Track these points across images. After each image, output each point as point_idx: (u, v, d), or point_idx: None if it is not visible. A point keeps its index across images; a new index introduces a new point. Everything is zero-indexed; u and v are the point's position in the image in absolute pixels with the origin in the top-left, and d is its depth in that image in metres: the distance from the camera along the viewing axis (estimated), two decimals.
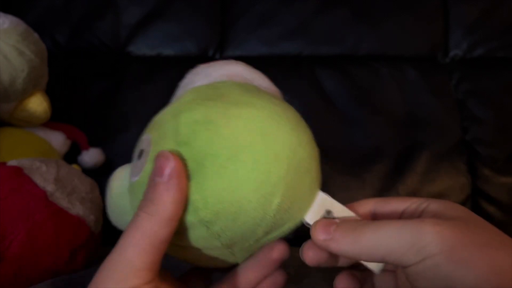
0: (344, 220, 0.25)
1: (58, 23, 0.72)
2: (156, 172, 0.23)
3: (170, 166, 0.22)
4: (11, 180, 0.43)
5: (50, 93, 0.58)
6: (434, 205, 0.24)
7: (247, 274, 0.27)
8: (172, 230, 0.23)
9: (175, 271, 0.27)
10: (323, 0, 0.73)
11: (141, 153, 0.26)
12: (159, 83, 0.69)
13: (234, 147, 0.23)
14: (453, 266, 0.21)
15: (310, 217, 0.26)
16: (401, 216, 0.26)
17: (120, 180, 0.27)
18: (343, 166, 0.64)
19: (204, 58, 0.73)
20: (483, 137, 0.67)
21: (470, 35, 0.73)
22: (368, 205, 0.27)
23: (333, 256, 0.26)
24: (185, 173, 0.23)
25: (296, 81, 0.70)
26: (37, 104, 0.55)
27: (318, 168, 0.26)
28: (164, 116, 0.26)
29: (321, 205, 0.26)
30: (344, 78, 0.70)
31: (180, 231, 0.24)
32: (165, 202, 0.22)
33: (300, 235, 0.65)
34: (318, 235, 0.25)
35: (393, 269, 0.27)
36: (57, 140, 0.59)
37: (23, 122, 0.56)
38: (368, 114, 0.67)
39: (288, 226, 0.25)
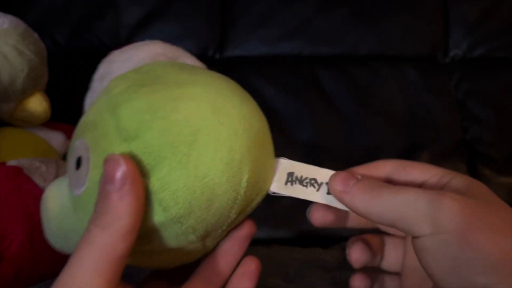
0: (366, 178, 0.24)
1: (58, 23, 0.72)
2: (106, 179, 0.20)
3: (121, 170, 0.19)
4: (11, 180, 0.43)
5: (50, 93, 0.58)
6: (457, 180, 0.23)
7: (222, 262, 0.25)
8: (131, 244, 0.20)
9: (130, 278, 0.24)
10: (323, 0, 0.73)
11: (79, 161, 0.22)
12: None
13: (191, 131, 0.21)
14: (464, 247, 0.20)
15: (275, 186, 0.25)
16: (421, 186, 0.24)
17: (57, 199, 0.24)
18: (343, 166, 0.64)
19: (204, 58, 0.73)
20: (483, 137, 0.67)
21: (470, 35, 0.73)
22: (385, 169, 0.26)
23: (340, 217, 0.26)
24: (139, 176, 0.20)
25: (296, 81, 0.70)
26: (37, 104, 0.55)
27: (270, 134, 0.25)
28: (96, 115, 0.23)
29: (282, 171, 0.25)
30: (344, 78, 0.70)
31: (145, 236, 0.21)
32: (121, 213, 0.20)
33: (300, 235, 0.65)
34: (336, 186, 0.24)
35: (398, 270, 0.26)
36: (57, 140, 0.59)
37: (23, 122, 0.56)
38: (368, 114, 0.67)
39: (257, 200, 0.24)
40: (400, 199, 0.22)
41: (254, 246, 0.59)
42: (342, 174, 0.24)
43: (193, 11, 0.73)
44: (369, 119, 0.67)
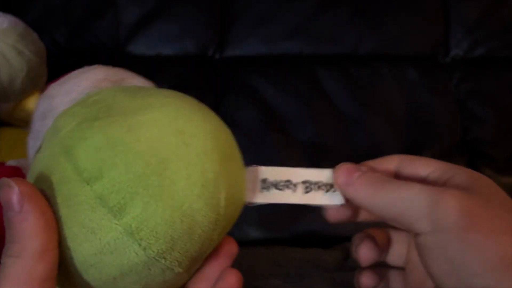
0: (370, 171, 0.24)
1: (57, 23, 0.72)
2: (6, 207, 0.19)
3: (15, 192, 0.18)
4: None
5: None
6: (460, 175, 0.23)
7: (204, 286, 0.24)
8: (51, 262, 0.19)
9: None
10: (323, 0, 0.73)
11: None
12: (158, 83, 0.69)
13: (159, 159, 0.20)
14: (463, 247, 0.19)
15: (251, 196, 0.24)
16: (424, 181, 0.24)
17: None
18: None
19: (204, 57, 0.73)
20: (483, 137, 0.67)
21: (471, 35, 0.72)
22: (393, 163, 0.26)
23: (354, 212, 0.26)
24: (37, 192, 0.19)
25: (296, 81, 0.70)
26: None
27: (236, 144, 0.24)
28: (49, 160, 0.21)
29: (254, 179, 0.24)
30: (345, 78, 0.70)
31: (129, 278, 0.20)
32: (28, 235, 0.18)
33: (300, 236, 0.64)
34: (339, 177, 0.24)
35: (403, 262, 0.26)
36: None
37: (22, 122, 0.56)
38: (369, 113, 0.67)
39: (237, 216, 0.23)
40: (402, 195, 0.22)
41: (254, 246, 0.59)
42: (347, 165, 0.24)
43: (193, 10, 0.73)
44: (369, 119, 0.67)
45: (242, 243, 0.26)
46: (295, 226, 0.62)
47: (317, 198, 0.24)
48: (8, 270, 0.18)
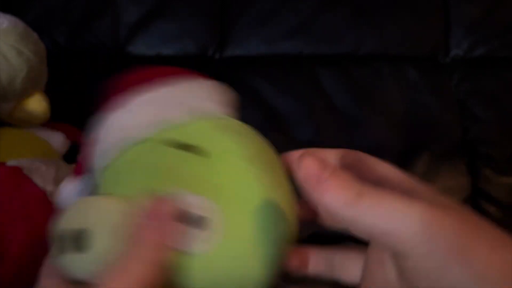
0: (340, 171, 0.20)
1: (57, 23, 0.72)
2: (150, 216, 0.20)
3: (166, 208, 0.20)
4: (11, 180, 0.43)
5: (50, 93, 0.58)
6: (423, 189, 0.21)
7: None
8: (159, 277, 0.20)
9: None
10: (323, 0, 0.73)
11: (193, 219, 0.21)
12: None
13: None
14: (462, 267, 0.18)
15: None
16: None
17: None
18: None
19: (204, 57, 0.73)
20: (484, 137, 0.67)
21: (471, 35, 0.73)
22: (335, 157, 0.23)
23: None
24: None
25: (296, 81, 0.70)
26: (36, 104, 0.55)
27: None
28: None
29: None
30: (345, 78, 0.70)
31: None
32: (155, 245, 0.20)
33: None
34: (309, 172, 0.20)
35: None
36: (57, 140, 0.59)
37: (22, 122, 0.56)
38: (369, 114, 0.67)
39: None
40: (381, 208, 0.19)
41: None
42: (315, 160, 0.20)
43: (193, 10, 0.73)
44: (369, 119, 0.67)
45: None
46: None
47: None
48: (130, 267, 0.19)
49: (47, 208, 0.43)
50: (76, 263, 0.21)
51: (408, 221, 0.18)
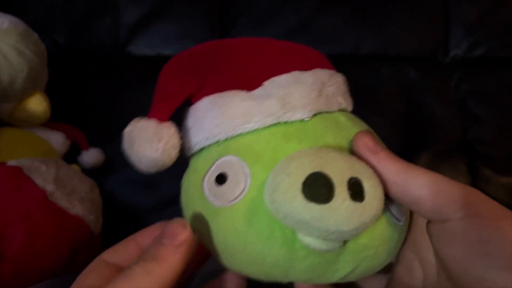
0: (386, 148, 0.24)
1: (57, 23, 0.72)
2: (167, 235, 0.22)
3: (185, 234, 0.22)
4: (11, 180, 0.44)
5: (50, 93, 0.58)
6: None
7: None
8: None
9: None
10: (323, 0, 0.73)
11: (223, 178, 0.23)
12: None
13: None
14: (496, 233, 0.19)
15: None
16: None
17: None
18: None
19: None
20: (483, 137, 0.67)
21: (471, 35, 0.73)
22: None
23: None
24: (192, 247, 0.23)
25: None
26: (37, 104, 0.55)
27: None
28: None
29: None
30: (344, 78, 0.70)
31: None
32: (168, 265, 0.21)
33: None
34: (365, 143, 0.23)
35: None
36: (57, 140, 0.59)
37: (23, 122, 0.56)
38: (368, 114, 0.67)
39: None
40: (437, 179, 0.21)
41: None
42: (371, 136, 0.24)
43: (193, 10, 0.73)
44: (369, 119, 0.67)
45: None
46: None
47: None
48: (135, 279, 0.21)
49: (47, 208, 0.43)
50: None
51: (451, 190, 0.21)
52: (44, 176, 0.45)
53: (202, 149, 0.26)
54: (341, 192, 0.20)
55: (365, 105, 0.69)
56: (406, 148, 0.66)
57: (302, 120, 0.25)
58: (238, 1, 0.74)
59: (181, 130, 0.27)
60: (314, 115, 0.26)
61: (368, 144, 0.23)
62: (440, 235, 0.22)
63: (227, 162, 0.24)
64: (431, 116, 0.67)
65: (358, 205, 0.20)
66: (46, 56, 0.55)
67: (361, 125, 0.28)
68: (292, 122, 0.25)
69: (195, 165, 0.26)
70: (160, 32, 0.73)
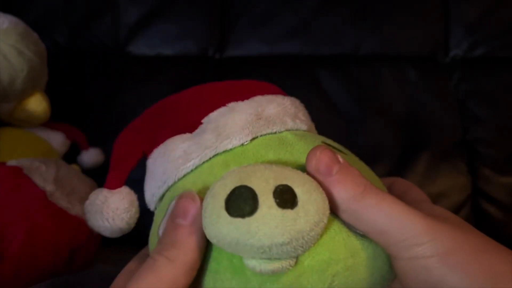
0: (348, 165, 0.21)
1: (57, 23, 0.72)
2: (178, 213, 0.21)
3: (195, 208, 0.21)
4: (11, 180, 0.44)
5: (50, 93, 0.58)
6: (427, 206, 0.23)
7: None
8: (190, 280, 0.21)
9: None
10: (323, 0, 0.73)
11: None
12: (159, 83, 0.69)
13: None
14: (447, 270, 0.19)
15: None
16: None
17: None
18: None
19: (204, 58, 0.73)
20: (483, 137, 0.67)
21: (471, 35, 0.73)
22: None
23: None
24: None
25: (296, 81, 0.70)
26: (37, 104, 0.55)
27: None
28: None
29: None
30: (345, 78, 0.70)
31: None
32: (188, 248, 0.20)
33: None
34: (317, 163, 0.21)
35: None
36: (57, 140, 0.59)
37: (23, 122, 0.56)
38: (368, 114, 0.67)
39: None
40: (383, 210, 0.20)
41: None
42: (327, 151, 0.21)
43: (193, 10, 0.73)
44: (369, 119, 0.67)
45: None
46: None
47: None
48: (159, 268, 0.20)
49: (47, 208, 0.43)
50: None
51: (404, 225, 0.19)
52: (44, 176, 0.45)
53: (161, 199, 0.26)
54: (265, 200, 0.19)
55: (365, 105, 0.69)
56: (406, 148, 0.66)
57: (242, 145, 0.24)
58: (238, 1, 0.74)
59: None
60: (255, 138, 0.25)
61: (320, 163, 0.20)
62: (397, 270, 0.21)
63: None
64: (431, 116, 0.67)
65: (288, 212, 0.18)
66: (46, 56, 0.55)
67: (314, 140, 0.26)
68: (232, 149, 0.24)
69: (155, 215, 0.26)
70: (160, 32, 0.73)
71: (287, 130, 0.26)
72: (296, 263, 0.20)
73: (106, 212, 0.26)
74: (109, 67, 0.71)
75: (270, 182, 0.19)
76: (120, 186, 0.28)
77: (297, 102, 0.31)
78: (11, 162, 0.46)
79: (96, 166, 0.61)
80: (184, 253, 0.20)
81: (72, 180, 0.48)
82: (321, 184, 0.20)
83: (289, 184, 0.19)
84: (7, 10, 0.53)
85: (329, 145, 0.25)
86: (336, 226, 0.21)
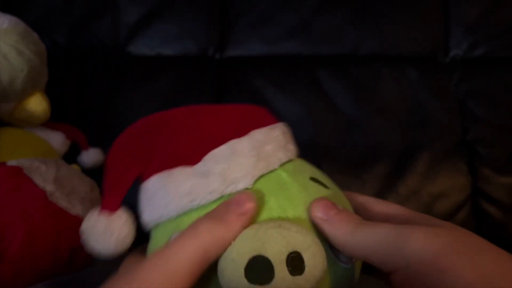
0: (345, 210, 0.25)
1: (57, 23, 0.72)
2: (234, 202, 0.24)
3: (250, 205, 0.24)
4: (11, 180, 0.44)
5: (50, 93, 0.58)
6: (423, 218, 0.25)
7: None
8: (211, 260, 0.23)
9: None
10: (323, 0, 0.73)
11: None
12: (159, 83, 0.70)
13: None
14: (439, 274, 0.20)
15: None
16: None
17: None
18: (343, 166, 0.65)
19: (204, 58, 0.73)
20: (483, 137, 0.67)
21: (471, 35, 0.73)
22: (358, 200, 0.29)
23: None
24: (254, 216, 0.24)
25: (296, 81, 0.70)
26: (37, 104, 0.55)
27: None
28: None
29: None
30: (345, 78, 0.70)
31: None
32: (229, 229, 0.23)
33: None
34: (317, 212, 0.25)
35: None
36: (57, 140, 0.59)
37: (23, 122, 0.56)
38: (368, 114, 0.68)
39: None
40: (374, 235, 0.23)
41: None
42: (324, 201, 0.25)
43: (193, 11, 0.73)
44: (369, 119, 0.67)
45: None
46: None
47: None
48: (200, 234, 0.22)
49: (47, 208, 0.43)
50: None
51: (387, 243, 0.22)
52: (44, 176, 0.46)
53: (158, 223, 0.28)
54: (280, 271, 0.22)
55: (365, 105, 0.69)
56: (406, 148, 0.66)
57: (246, 189, 0.27)
58: (238, 2, 0.74)
59: (137, 207, 0.29)
60: (257, 179, 0.27)
61: (319, 212, 0.25)
62: (394, 285, 0.22)
63: None
64: (430, 116, 0.68)
65: (298, 278, 0.22)
66: (46, 56, 0.55)
67: (303, 177, 0.29)
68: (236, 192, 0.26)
69: (156, 238, 0.28)
70: (160, 32, 0.73)
71: (281, 164, 0.29)
72: None
73: (108, 238, 0.27)
74: (109, 67, 0.71)
75: (283, 251, 0.22)
76: (118, 208, 0.29)
77: (285, 128, 0.33)
78: (11, 162, 0.46)
79: (96, 166, 0.61)
80: (227, 230, 0.23)
81: (72, 180, 0.48)
82: (322, 229, 0.25)
83: (298, 249, 0.23)
84: (7, 10, 0.53)
85: (315, 179, 0.29)
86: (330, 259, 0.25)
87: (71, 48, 0.72)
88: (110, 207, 0.28)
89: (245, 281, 0.22)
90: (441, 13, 0.73)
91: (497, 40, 0.72)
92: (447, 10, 0.73)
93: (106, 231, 0.28)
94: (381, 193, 0.63)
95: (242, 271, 0.22)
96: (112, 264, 0.51)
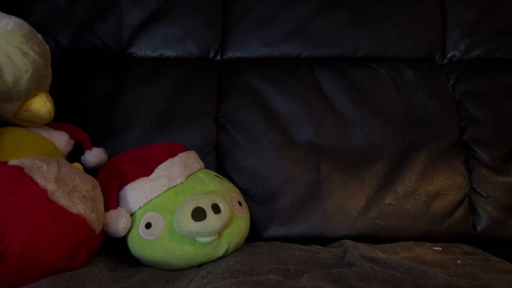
0: None
1: (61, 24, 0.72)
2: None
3: None
4: (12, 180, 0.44)
5: (53, 93, 0.58)
6: None
7: None
8: None
9: None
10: (322, 2, 0.73)
11: (149, 225, 0.53)
12: (161, 84, 0.70)
13: None
14: None
15: None
16: None
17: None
18: (342, 166, 0.65)
19: (206, 59, 0.74)
20: (480, 137, 0.67)
21: (468, 37, 0.73)
22: None
23: None
24: None
25: (296, 82, 0.70)
26: (41, 104, 0.55)
27: None
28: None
29: None
30: (343, 79, 0.70)
31: None
32: None
33: (299, 235, 0.65)
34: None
35: None
36: (61, 140, 0.59)
37: (27, 122, 0.56)
38: (367, 114, 0.68)
39: None
40: None
41: (256, 242, 0.59)
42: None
43: (195, 13, 0.73)
44: (367, 119, 0.67)
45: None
46: (295, 225, 0.63)
47: None
48: None
49: (48, 207, 0.43)
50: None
51: None
52: (45, 176, 0.45)
53: (134, 212, 0.54)
54: (209, 212, 0.49)
55: (364, 106, 0.69)
56: (404, 148, 0.66)
57: (182, 183, 0.55)
58: (238, 4, 0.74)
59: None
60: (186, 178, 0.56)
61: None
62: None
63: (149, 216, 0.52)
64: (428, 117, 0.68)
65: (218, 216, 0.49)
66: (50, 57, 0.56)
67: (211, 175, 0.58)
68: (176, 185, 0.55)
69: (134, 219, 0.53)
70: (162, 34, 0.73)
71: (198, 169, 0.58)
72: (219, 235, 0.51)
73: (120, 220, 0.52)
74: (112, 68, 0.71)
75: (209, 203, 0.49)
76: (117, 207, 0.53)
77: (194, 153, 0.60)
78: (13, 162, 0.46)
79: (99, 166, 0.61)
80: None
81: (73, 179, 0.48)
82: None
83: (216, 202, 0.50)
84: (11, 11, 0.53)
85: (217, 176, 0.59)
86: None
87: (74, 49, 0.72)
88: (113, 206, 0.53)
89: (192, 222, 0.48)
90: (438, 15, 0.73)
91: (493, 42, 0.72)
92: (444, 12, 0.74)
93: (117, 216, 0.52)
94: (379, 193, 0.63)
95: (189, 216, 0.48)
96: (113, 263, 0.51)
